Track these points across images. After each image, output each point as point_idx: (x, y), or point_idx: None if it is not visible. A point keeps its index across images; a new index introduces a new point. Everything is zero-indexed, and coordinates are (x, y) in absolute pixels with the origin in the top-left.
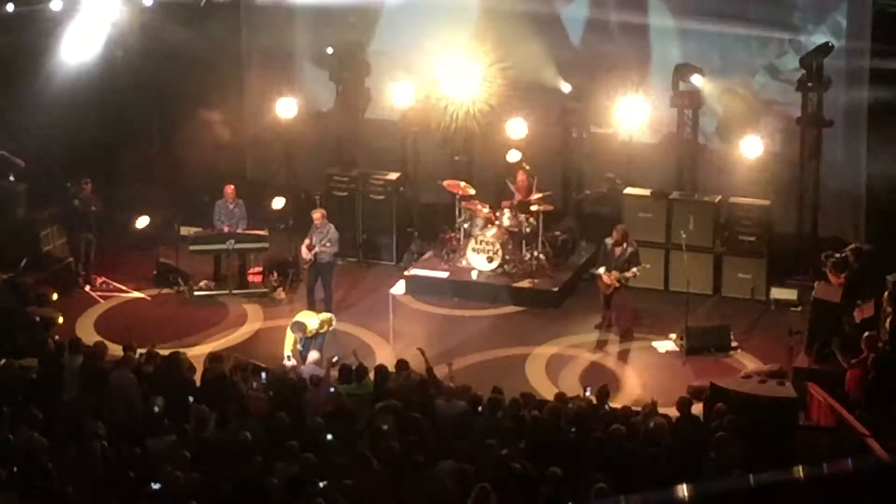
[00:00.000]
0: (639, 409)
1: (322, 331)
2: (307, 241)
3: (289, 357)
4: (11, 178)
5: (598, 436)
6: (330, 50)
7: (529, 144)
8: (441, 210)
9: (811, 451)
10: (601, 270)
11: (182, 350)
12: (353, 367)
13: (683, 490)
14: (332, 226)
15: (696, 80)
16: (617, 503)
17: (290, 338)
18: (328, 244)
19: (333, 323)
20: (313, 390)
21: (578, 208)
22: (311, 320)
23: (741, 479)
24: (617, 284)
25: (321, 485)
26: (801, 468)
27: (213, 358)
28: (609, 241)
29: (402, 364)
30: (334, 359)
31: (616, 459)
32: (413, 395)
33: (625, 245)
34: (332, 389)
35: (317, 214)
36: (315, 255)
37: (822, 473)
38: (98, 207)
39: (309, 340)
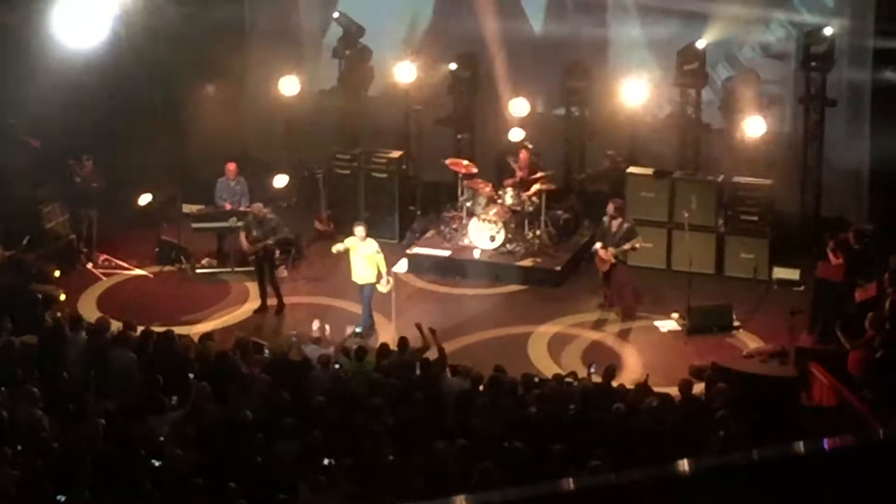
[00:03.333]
0: (632, 387)
1: (374, 281)
2: (245, 233)
3: (294, 335)
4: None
5: (601, 415)
6: (336, 14)
7: (532, 123)
8: (444, 188)
9: (812, 431)
10: (597, 246)
11: (184, 327)
12: (353, 348)
13: (684, 465)
14: (274, 217)
15: (701, 43)
16: (618, 477)
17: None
18: (272, 238)
19: (390, 284)
20: (321, 371)
21: (581, 187)
22: (373, 244)
23: (739, 455)
24: (613, 260)
25: (324, 463)
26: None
27: (205, 337)
28: (605, 217)
29: (403, 342)
30: (356, 330)
31: (617, 439)
32: (410, 373)
33: (621, 220)
34: (336, 366)
35: (255, 207)
36: (263, 248)
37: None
38: (100, 185)
39: (361, 287)
